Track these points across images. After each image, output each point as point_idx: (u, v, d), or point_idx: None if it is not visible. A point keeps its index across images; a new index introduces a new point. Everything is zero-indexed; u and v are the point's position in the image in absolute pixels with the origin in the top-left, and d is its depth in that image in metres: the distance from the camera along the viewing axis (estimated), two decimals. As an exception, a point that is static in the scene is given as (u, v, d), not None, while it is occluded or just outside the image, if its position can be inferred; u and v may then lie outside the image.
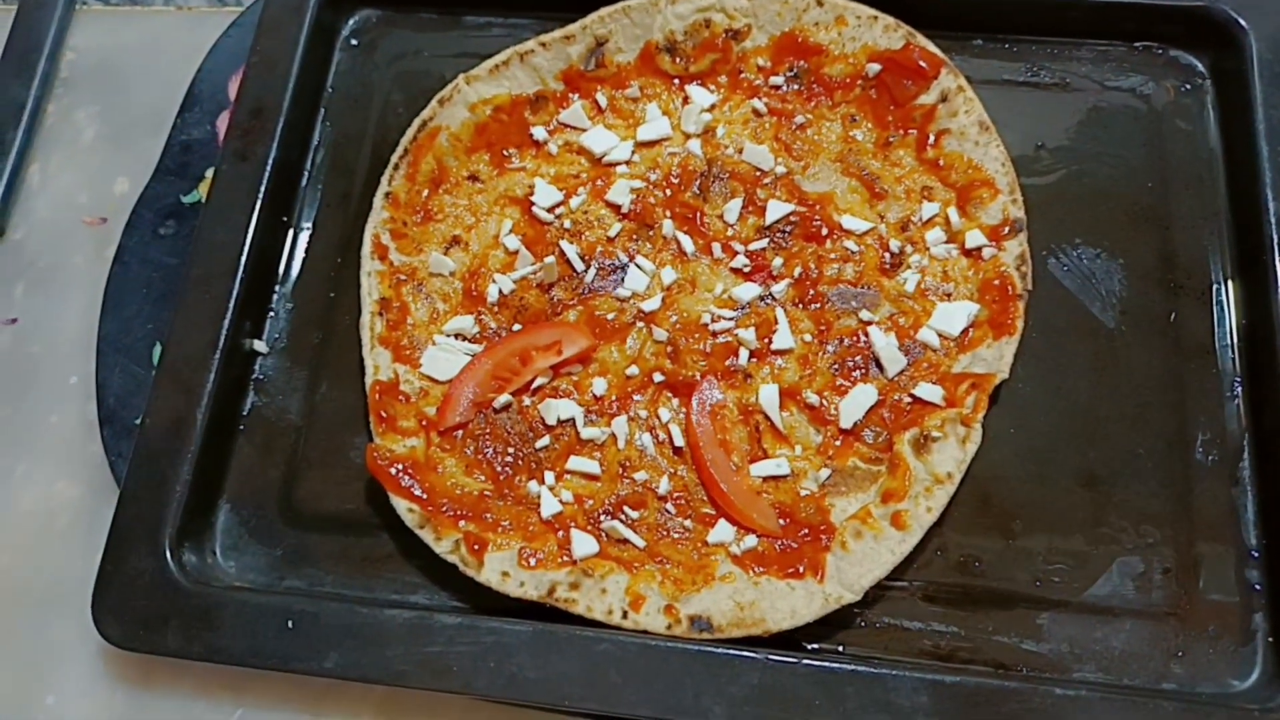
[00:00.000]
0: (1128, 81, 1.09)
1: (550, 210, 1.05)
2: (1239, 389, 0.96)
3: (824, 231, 1.02)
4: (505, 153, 1.09)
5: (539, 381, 0.99)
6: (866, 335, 0.98)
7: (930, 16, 1.07)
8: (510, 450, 0.97)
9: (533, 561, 0.90)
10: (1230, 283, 1.00)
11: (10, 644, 1.00)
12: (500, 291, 1.03)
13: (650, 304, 1.01)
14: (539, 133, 1.08)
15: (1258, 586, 0.90)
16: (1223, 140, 1.06)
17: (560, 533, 0.92)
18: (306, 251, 1.09)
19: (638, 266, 1.02)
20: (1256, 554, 0.91)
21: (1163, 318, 0.99)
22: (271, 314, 1.06)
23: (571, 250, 1.03)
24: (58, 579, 1.02)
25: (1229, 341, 0.98)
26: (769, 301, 1.01)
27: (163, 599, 0.91)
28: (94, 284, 1.10)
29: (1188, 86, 1.08)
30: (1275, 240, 0.96)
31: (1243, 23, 1.05)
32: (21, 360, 1.11)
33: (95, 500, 1.05)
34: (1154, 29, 1.09)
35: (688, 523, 0.93)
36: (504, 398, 0.98)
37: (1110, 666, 0.88)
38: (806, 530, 0.91)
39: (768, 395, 0.96)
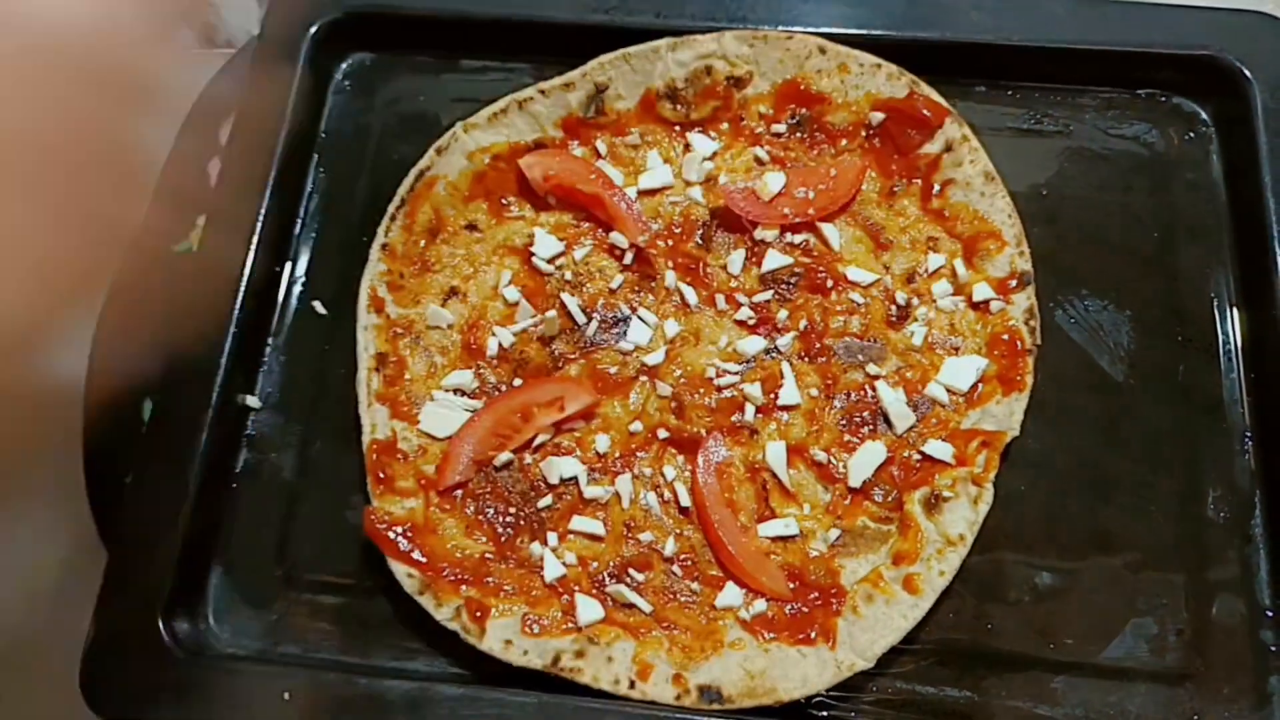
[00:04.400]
0: (1131, 129, 1.08)
1: (551, 261, 1.03)
2: (1249, 444, 0.96)
3: (829, 283, 1.01)
4: (503, 201, 1.07)
5: (540, 438, 0.97)
6: (874, 390, 0.97)
7: (933, 64, 1.06)
8: (511, 510, 0.95)
9: (536, 629, 0.88)
10: (1238, 335, 0.99)
11: (-7, 712, 0.97)
12: (500, 345, 1.00)
13: (653, 357, 0.99)
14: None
15: (1273, 648, 0.89)
16: (1228, 189, 1.05)
17: (564, 597, 0.90)
18: (299, 301, 1.06)
19: (640, 319, 1.01)
20: (1270, 613, 0.90)
21: (1172, 371, 0.99)
22: (264, 367, 1.03)
23: (573, 302, 1.01)
24: (43, 644, 0.98)
25: (1238, 395, 0.97)
26: (774, 355, 0.99)
27: (154, 669, 0.88)
28: (81, 335, 1.07)
29: (1191, 134, 1.08)
30: (1284, 294, 0.96)
31: (1246, 71, 1.04)
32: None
33: (81, 561, 1.01)
34: (1157, 76, 1.08)
35: (695, 585, 0.91)
36: (505, 455, 0.96)
37: (1126, 731, 0.87)
38: (817, 593, 0.89)
39: (775, 453, 0.94)
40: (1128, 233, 1.04)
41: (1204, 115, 1.08)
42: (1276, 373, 0.95)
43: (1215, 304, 1.01)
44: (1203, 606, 0.90)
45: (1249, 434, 0.96)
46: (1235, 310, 1.00)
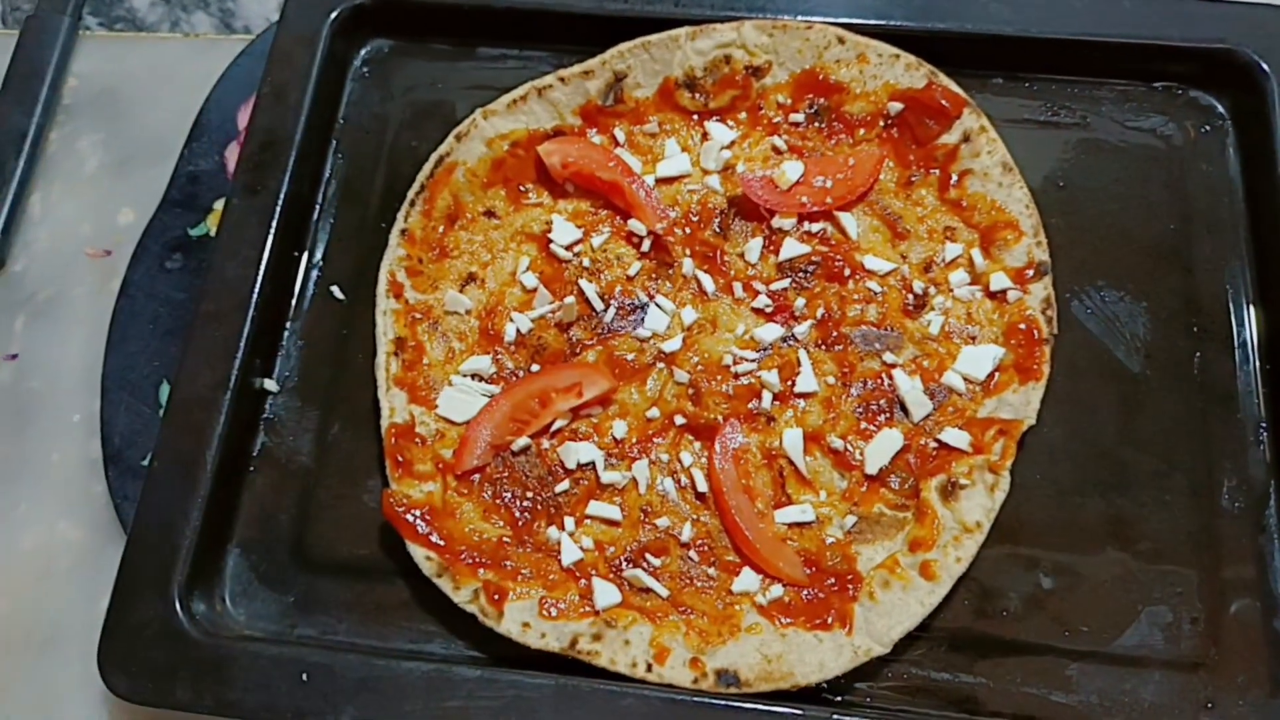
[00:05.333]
0: (1148, 122, 1.09)
1: (569, 248, 1.03)
2: (1264, 435, 0.96)
3: (846, 272, 1.01)
4: (522, 188, 1.07)
5: (558, 424, 0.97)
6: (890, 378, 0.97)
7: (951, 55, 1.07)
8: (529, 495, 0.95)
9: (554, 612, 0.88)
10: (1254, 327, 1.00)
11: (10, 693, 0.97)
12: (518, 330, 1.01)
13: (671, 344, 0.99)
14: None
15: (1287, 637, 0.89)
16: (1244, 182, 1.05)
17: (582, 581, 0.91)
18: (316, 286, 1.07)
19: (658, 306, 1.01)
20: (1284, 603, 0.91)
21: (1187, 362, 0.99)
22: (282, 352, 1.04)
23: (591, 289, 1.02)
24: (59, 625, 0.99)
25: (1253, 386, 0.98)
26: (791, 343, 0.99)
27: (172, 650, 0.88)
28: (97, 318, 1.08)
29: (1208, 127, 1.08)
30: (1300, 286, 0.97)
31: (1264, 65, 1.04)
32: (22, 396, 1.08)
33: (98, 542, 1.02)
34: (1174, 69, 1.09)
35: (711, 571, 0.92)
36: (522, 440, 0.96)
37: (1140, 719, 0.87)
38: (833, 579, 0.90)
39: (791, 439, 0.95)
40: (1144, 224, 1.05)
41: (1220, 108, 1.09)
42: (1292, 364, 0.96)
43: (1231, 296, 1.01)
44: (1217, 595, 0.91)
45: (1264, 425, 0.96)
46: (1251, 302, 1.01)
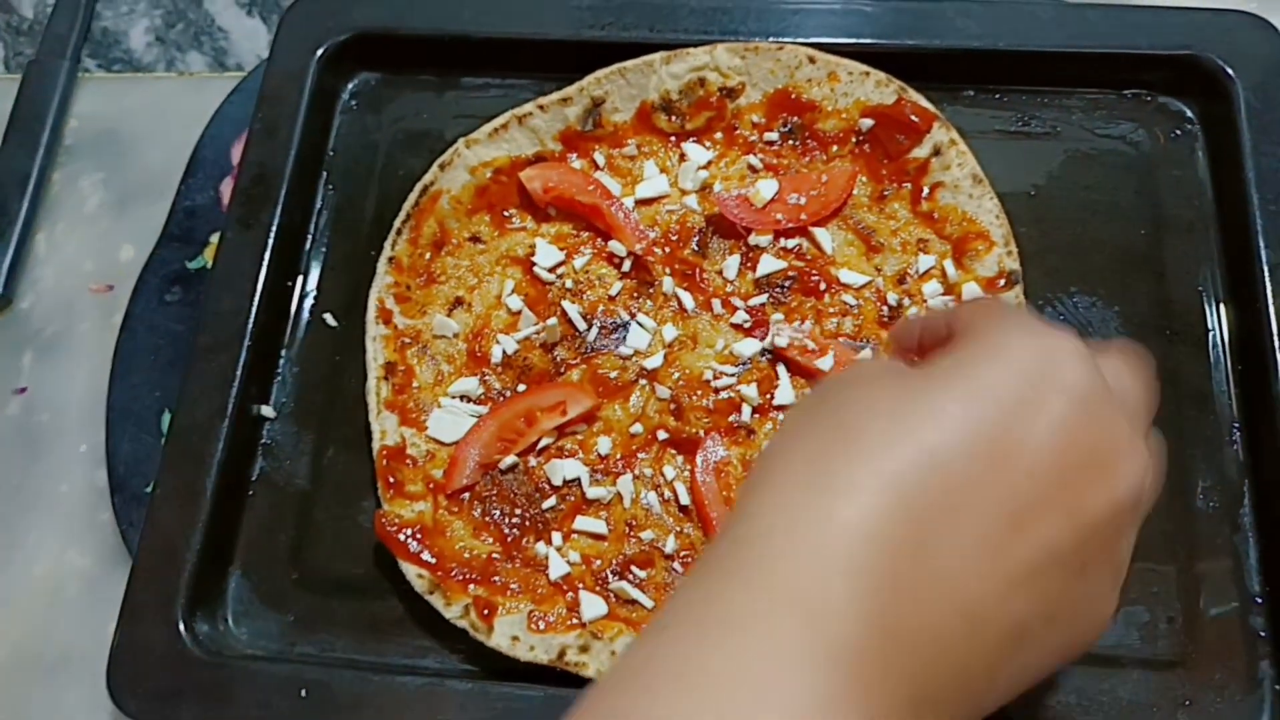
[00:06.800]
0: (1118, 129, 1.11)
1: (552, 270, 1.07)
2: (1237, 434, 0.98)
3: (822, 286, 1.04)
4: (505, 213, 1.10)
5: (544, 441, 1.00)
6: (867, 389, 0.99)
7: (921, 71, 1.09)
8: (517, 511, 0.98)
9: (542, 625, 0.91)
10: (1225, 329, 1.01)
11: (24, 714, 1.01)
12: (504, 352, 1.04)
13: (652, 361, 1.02)
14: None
15: (1263, 634, 0.90)
16: (1213, 186, 1.07)
17: (569, 594, 0.93)
18: (310, 314, 1.10)
19: (639, 324, 1.04)
20: (1260, 600, 0.92)
21: (1160, 365, 0.99)
22: (278, 378, 1.07)
23: (573, 310, 1.04)
24: (69, 649, 1.03)
25: (1226, 387, 0.99)
26: (770, 357, 1.02)
27: (177, 670, 0.91)
28: (101, 351, 1.12)
29: (1177, 133, 1.10)
30: (1268, 287, 0.98)
31: (1229, 70, 1.06)
32: (31, 429, 1.12)
33: (105, 568, 1.06)
34: (1143, 77, 1.11)
35: (695, 581, 0.94)
36: (510, 459, 0.99)
37: (1118, 718, 0.89)
38: (813, 587, 0.92)
39: (771, 451, 0.97)
40: (1115, 230, 1.06)
41: (1189, 114, 1.10)
42: (1263, 364, 0.97)
43: (1202, 298, 1.03)
44: (1193, 594, 0.92)
45: (1237, 424, 0.98)
46: (1222, 303, 1.02)
